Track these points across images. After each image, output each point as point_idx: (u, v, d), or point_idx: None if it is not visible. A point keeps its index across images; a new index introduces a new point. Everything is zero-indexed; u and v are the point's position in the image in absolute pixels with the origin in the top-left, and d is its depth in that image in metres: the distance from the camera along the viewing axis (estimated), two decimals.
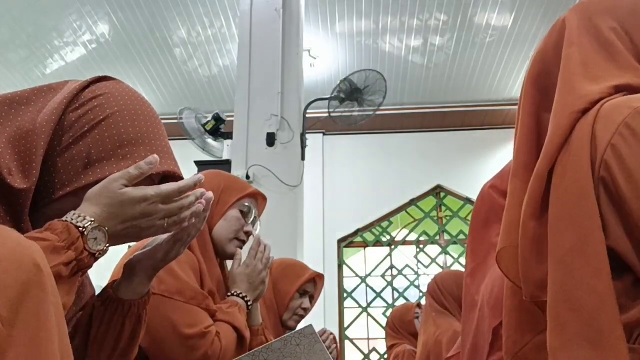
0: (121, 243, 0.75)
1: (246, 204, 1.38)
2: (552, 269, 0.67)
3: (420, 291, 5.76)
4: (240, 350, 1.24)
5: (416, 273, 5.91)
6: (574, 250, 0.65)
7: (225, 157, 3.77)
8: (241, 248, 1.38)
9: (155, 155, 0.74)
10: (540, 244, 0.70)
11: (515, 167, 0.81)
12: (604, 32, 0.77)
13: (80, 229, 0.66)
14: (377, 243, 6.03)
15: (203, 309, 1.20)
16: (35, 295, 0.48)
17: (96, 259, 0.68)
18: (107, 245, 0.69)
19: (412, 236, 6.05)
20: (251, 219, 1.39)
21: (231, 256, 1.36)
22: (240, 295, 1.32)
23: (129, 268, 0.84)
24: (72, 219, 0.67)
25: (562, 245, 0.66)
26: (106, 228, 0.68)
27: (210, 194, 0.80)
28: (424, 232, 6.00)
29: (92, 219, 0.67)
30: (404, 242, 6.05)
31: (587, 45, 0.77)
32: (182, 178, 0.79)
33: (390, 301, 5.81)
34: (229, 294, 1.32)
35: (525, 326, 0.80)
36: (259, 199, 1.44)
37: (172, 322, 1.13)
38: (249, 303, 1.32)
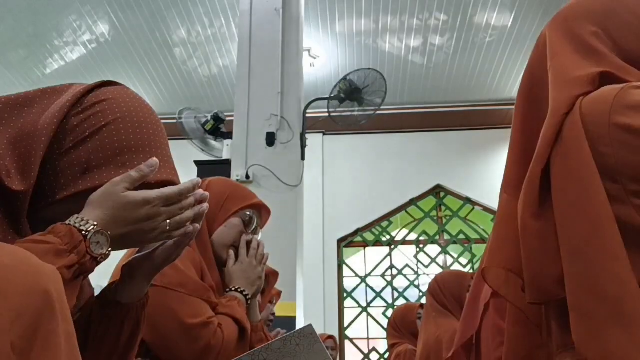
0: (124, 248, 0.74)
1: (248, 213, 1.39)
2: (568, 261, 0.67)
3: (420, 291, 5.77)
4: (242, 341, 1.25)
5: (416, 273, 5.91)
6: (588, 239, 0.65)
7: (225, 157, 3.77)
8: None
9: (156, 159, 0.74)
10: (548, 242, 0.70)
11: (505, 183, 0.83)
12: (585, 38, 0.77)
13: (84, 232, 0.66)
14: (377, 243, 6.03)
15: (205, 302, 1.20)
16: (47, 326, 0.48)
17: (98, 263, 0.68)
18: (110, 249, 0.68)
19: (412, 236, 6.05)
20: (252, 229, 1.39)
21: (226, 263, 1.37)
22: (239, 290, 1.33)
23: (128, 271, 0.83)
24: (75, 223, 0.66)
25: (575, 236, 0.66)
26: (109, 232, 0.68)
27: (206, 193, 0.79)
28: (424, 232, 6.00)
29: (95, 223, 0.67)
30: (404, 242, 6.05)
31: (570, 54, 0.77)
32: None
33: (390, 301, 5.81)
34: (227, 290, 1.33)
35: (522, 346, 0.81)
36: (262, 211, 1.44)
37: (175, 313, 1.14)
38: (247, 297, 1.33)
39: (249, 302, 1.34)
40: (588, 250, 0.65)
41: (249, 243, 1.37)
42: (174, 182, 0.78)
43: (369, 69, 3.79)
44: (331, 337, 3.69)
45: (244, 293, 1.33)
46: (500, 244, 0.80)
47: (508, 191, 0.81)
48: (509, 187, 0.81)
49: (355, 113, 3.83)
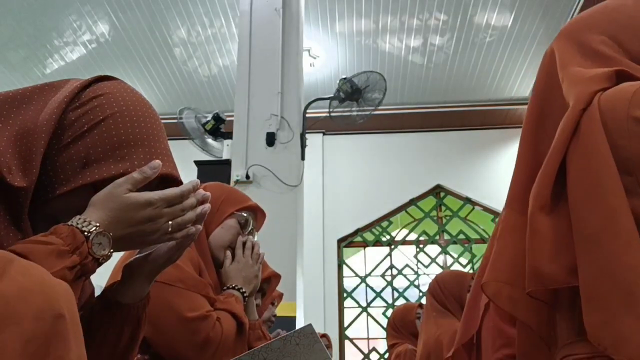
0: (125, 249, 0.75)
1: (244, 215, 1.42)
2: (582, 250, 0.68)
3: (420, 291, 5.77)
4: (240, 336, 1.27)
5: (416, 273, 5.91)
6: (603, 229, 0.66)
7: (225, 157, 3.77)
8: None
9: (158, 161, 0.74)
10: (560, 231, 0.72)
11: (510, 198, 0.83)
12: (594, 46, 0.79)
13: (86, 234, 0.66)
14: (377, 243, 6.03)
15: (203, 297, 1.22)
16: (58, 351, 0.48)
17: (100, 264, 0.68)
18: (112, 250, 0.69)
19: (412, 236, 6.05)
20: (248, 230, 1.42)
21: (222, 263, 1.39)
22: (236, 287, 1.35)
23: (129, 271, 0.83)
24: (77, 224, 0.66)
25: (590, 225, 0.68)
26: (111, 233, 0.68)
27: (208, 194, 0.80)
28: (424, 232, 6.00)
29: (98, 224, 0.67)
30: (404, 242, 6.05)
31: (581, 62, 0.79)
32: (180, 181, 0.79)
33: (390, 301, 5.81)
34: (224, 287, 1.35)
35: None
36: (258, 213, 1.48)
37: (174, 307, 1.16)
38: (245, 295, 1.35)
39: (246, 300, 1.36)
40: (603, 240, 0.66)
41: (244, 244, 1.39)
42: (173, 176, 0.78)
43: (371, 71, 3.79)
44: (324, 335, 3.68)
45: (241, 291, 1.35)
46: (502, 257, 0.80)
47: (513, 205, 0.82)
48: (515, 201, 0.82)
49: (354, 113, 3.84)
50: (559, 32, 0.87)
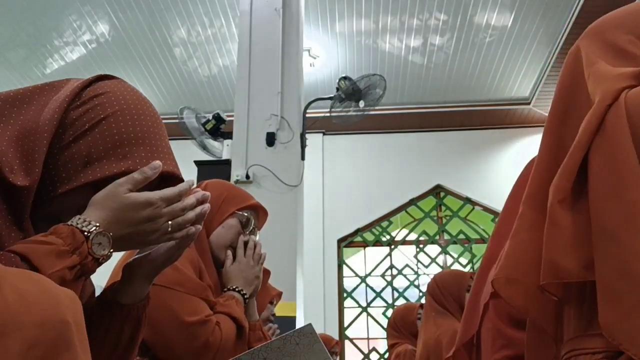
0: (125, 249, 0.75)
1: (245, 214, 1.40)
2: (601, 244, 0.68)
3: (420, 291, 5.77)
4: (240, 340, 1.26)
5: (416, 273, 5.91)
6: (624, 224, 0.66)
7: (225, 157, 3.77)
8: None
9: (159, 161, 0.74)
10: (578, 226, 0.72)
11: (528, 196, 0.83)
12: (621, 44, 0.79)
13: (86, 233, 0.66)
14: (377, 243, 6.03)
15: (203, 300, 1.21)
16: (62, 358, 0.48)
17: (100, 264, 0.69)
18: (112, 250, 0.69)
19: (412, 236, 6.05)
20: (249, 229, 1.40)
21: (223, 263, 1.38)
22: (237, 289, 1.34)
23: (129, 271, 0.83)
24: (77, 224, 0.67)
25: (611, 220, 0.68)
26: (111, 233, 0.68)
27: (207, 193, 0.80)
28: (424, 232, 6.00)
29: (98, 224, 0.67)
30: (404, 242, 6.05)
31: (609, 59, 0.79)
32: (182, 179, 0.80)
33: (390, 301, 5.82)
34: (225, 289, 1.34)
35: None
36: (259, 212, 1.46)
37: (173, 311, 1.15)
38: (245, 297, 1.34)
39: (246, 301, 1.35)
40: (623, 235, 0.66)
41: (246, 243, 1.38)
42: (174, 174, 0.79)
43: (373, 74, 3.80)
44: (337, 342, 3.70)
45: (242, 292, 1.34)
46: (516, 253, 0.80)
47: (530, 203, 0.82)
48: (532, 199, 0.82)
49: (351, 112, 3.84)
50: (585, 31, 0.87)
